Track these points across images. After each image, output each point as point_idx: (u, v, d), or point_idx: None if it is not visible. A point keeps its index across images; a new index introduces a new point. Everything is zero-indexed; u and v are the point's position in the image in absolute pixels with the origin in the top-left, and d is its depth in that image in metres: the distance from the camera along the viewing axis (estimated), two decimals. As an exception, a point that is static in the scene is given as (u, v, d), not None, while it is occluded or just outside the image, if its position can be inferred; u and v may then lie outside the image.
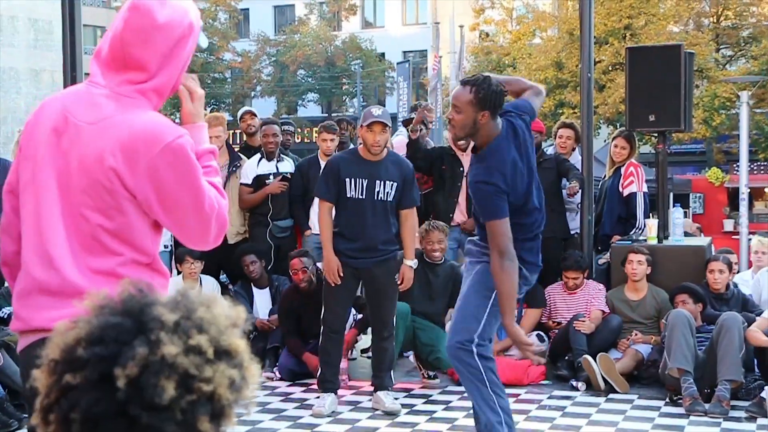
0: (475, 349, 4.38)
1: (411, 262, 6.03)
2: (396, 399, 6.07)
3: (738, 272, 7.95)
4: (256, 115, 8.33)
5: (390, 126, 5.95)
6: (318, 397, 6.02)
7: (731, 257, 7.06)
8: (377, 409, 5.92)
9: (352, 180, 5.85)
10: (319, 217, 6.03)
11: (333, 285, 5.88)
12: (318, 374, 6.04)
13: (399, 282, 6.03)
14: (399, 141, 8.14)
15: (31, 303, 2.32)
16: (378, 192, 5.87)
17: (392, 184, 5.89)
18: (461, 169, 7.45)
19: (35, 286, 2.31)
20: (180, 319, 1.28)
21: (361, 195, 5.85)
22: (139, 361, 1.23)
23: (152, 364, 1.23)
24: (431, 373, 6.73)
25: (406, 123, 8.04)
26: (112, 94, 2.30)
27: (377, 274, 5.93)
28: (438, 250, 6.74)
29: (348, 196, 5.86)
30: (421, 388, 6.59)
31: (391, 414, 5.84)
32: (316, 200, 6.31)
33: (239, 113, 8.50)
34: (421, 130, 7.33)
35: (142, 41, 2.29)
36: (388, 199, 5.90)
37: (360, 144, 6.05)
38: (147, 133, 2.25)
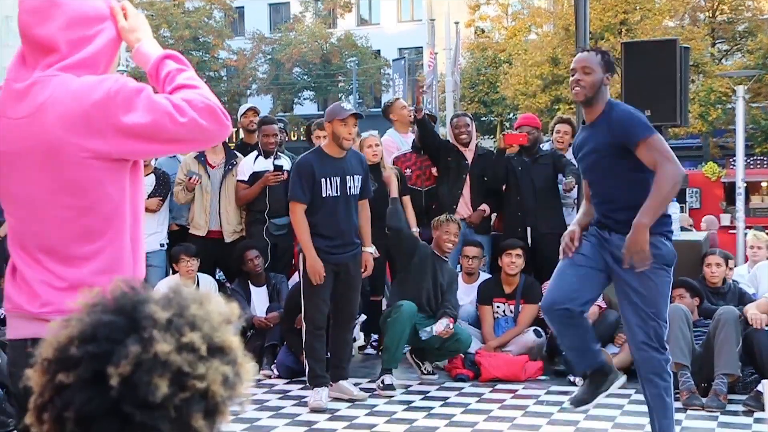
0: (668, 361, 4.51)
1: (371, 249, 6.24)
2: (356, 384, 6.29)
3: (735, 266, 7.96)
4: (258, 113, 8.34)
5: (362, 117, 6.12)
6: (312, 394, 6.04)
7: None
8: (343, 399, 6.05)
9: (327, 179, 5.95)
10: (295, 220, 6.05)
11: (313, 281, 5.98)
12: (307, 371, 6.09)
13: (363, 270, 6.20)
14: (388, 140, 8.17)
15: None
16: (349, 188, 6.03)
17: (358, 178, 6.08)
18: (465, 162, 7.53)
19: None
20: (173, 317, 1.28)
21: (336, 193, 5.98)
22: (132, 360, 1.22)
23: (145, 362, 1.23)
24: (429, 369, 6.74)
25: (386, 113, 8.11)
26: (38, 80, 2.27)
27: (351, 267, 6.09)
28: (452, 243, 6.78)
29: (324, 196, 5.95)
30: (419, 384, 6.59)
31: (359, 400, 6.03)
32: None
33: (242, 109, 8.48)
34: (422, 109, 7.47)
35: (40, 19, 2.28)
36: (355, 193, 6.09)
37: (324, 142, 6.14)
38: (85, 93, 2.22)
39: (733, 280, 6.86)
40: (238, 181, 7.48)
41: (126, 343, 1.24)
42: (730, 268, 6.92)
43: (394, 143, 8.19)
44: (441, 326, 6.44)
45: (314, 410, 5.85)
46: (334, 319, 6.20)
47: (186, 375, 1.24)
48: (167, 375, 1.23)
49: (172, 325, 1.27)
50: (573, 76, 4.47)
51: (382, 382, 6.31)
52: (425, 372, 6.73)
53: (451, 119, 7.82)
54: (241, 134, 8.64)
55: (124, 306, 1.29)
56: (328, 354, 6.19)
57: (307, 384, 6.12)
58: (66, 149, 2.22)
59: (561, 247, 4.61)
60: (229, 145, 8.22)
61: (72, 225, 2.28)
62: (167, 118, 2.20)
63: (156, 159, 7.95)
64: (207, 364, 1.26)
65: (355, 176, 6.06)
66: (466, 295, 7.22)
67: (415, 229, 7.19)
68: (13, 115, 2.27)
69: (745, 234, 12.46)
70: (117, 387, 1.21)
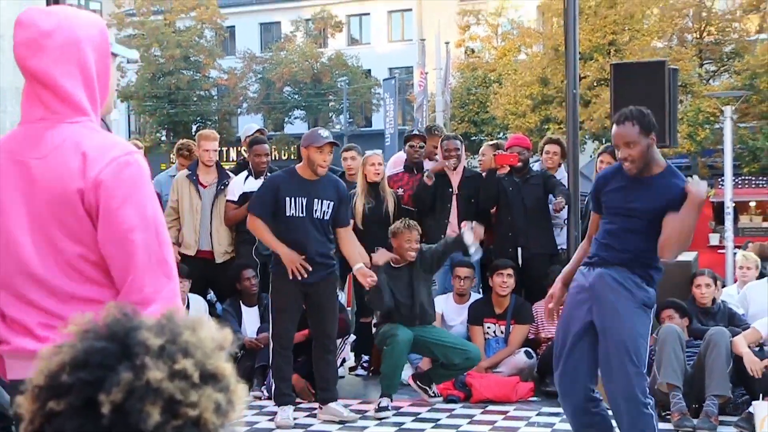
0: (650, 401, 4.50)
1: (359, 265, 6.12)
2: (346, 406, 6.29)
3: (724, 286, 7.99)
4: (265, 134, 8.40)
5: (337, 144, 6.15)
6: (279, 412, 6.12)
7: None
8: (334, 421, 6.06)
9: (292, 199, 6.01)
10: (254, 227, 6.14)
11: (280, 300, 6.05)
12: (273, 390, 6.21)
13: (368, 281, 6.05)
14: (397, 157, 8.24)
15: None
16: (315, 210, 6.06)
17: (329, 203, 6.10)
18: (450, 189, 7.50)
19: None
20: (165, 343, 1.27)
21: (302, 213, 6.02)
22: (123, 387, 1.22)
23: (137, 389, 1.22)
24: (435, 392, 6.67)
25: (407, 139, 8.03)
26: (50, 123, 2.27)
27: (320, 288, 6.10)
28: (414, 250, 6.57)
29: (288, 214, 6.01)
30: (410, 405, 6.56)
31: (349, 422, 6.05)
32: None
33: (248, 130, 8.49)
34: (434, 178, 7.41)
35: (33, 51, 2.27)
36: (325, 218, 6.10)
37: (299, 164, 6.18)
38: (99, 147, 2.23)
39: (722, 300, 6.87)
40: (227, 201, 7.48)
41: (118, 371, 1.23)
42: (719, 288, 6.95)
43: (401, 163, 8.20)
44: (469, 235, 6.35)
45: (281, 428, 5.94)
46: (315, 341, 6.24)
47: (178, 403, 1.24)
48: (159, 403, 1.22)
49: (165, 352, 1.26)
50: (617, 150, 4.44)
51: (378, 404, 6.30)
52: (432, 395, 6.67)
53: (441, 141, 7.82)
54: (233, 154, 8.64)
55: (117, 332, 1.28)
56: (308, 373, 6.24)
57: (274, 403, 6.21)
58: (68, 198, 2.22)
59: (546, 310, 4.71)
60: (223, 165, 8.21)
61: (73, 269, 2.26)
62: (148, 224, 2.21)
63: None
64: (199, 392, 1.26)
65: (324, 201, 6.08)
66: (457, 315, 7.22)
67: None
68: (28, 156, 2.28)
69: (734, 254, 12.51)
70: (108, 415, 1.21)
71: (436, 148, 7.87)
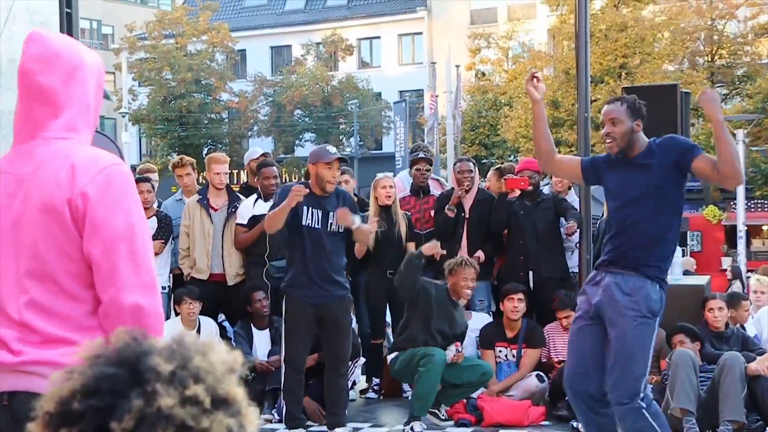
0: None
1: (357, 217, 6.11)
2: None
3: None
4: (269, 157, 8.43)
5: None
6: None
7: None
8: None
9: (309, 209, 6.03)
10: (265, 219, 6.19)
11: (294, 323, 6.03)
12: (284, 413, 6.18)
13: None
14: (402, 177, 8.25)
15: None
16: (330, 224, 6.08)
17: None
18: (462, 214, 7.50)
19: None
20: (176, 369, 1.27)
21: (318, 225, 6.04)
22: (135, 414, 1.22)
23: (148, 416, 1.22)
24: (442, 414, 6.64)
25: (413, 162, 8.03)
26: (42, 141, 2.32)
27: (334, 310, 6.09)
28: (470, 288, 6.63)
29: (304, 223, 6.02)
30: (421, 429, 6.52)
31: None
32: None
33: (253, 154, 8.51)
34: (455, 210, 7.46)
35: (44, 66, 2.33)
36: (340, 231, 6.13)
37: (308, 180, 6.21)
38: (87, 159, 2.27)
39: (742, 326, 6.83)
40: (237, 224, 7.47)
41: (129, 397, 1.23)
42: (746, 311, 6.93)
43: (403, 186, 8.22)
44: (451, 353, 6.39)
45: None
46: (327, 365, 6.19)
47: (190, 429, 1.24)
48: (171, 429, 1.23)
49: (176, 378, 1.26)
50: (603, 128, 4.52)
51: (412, 429, 6.25)
52: (442, 418, 6.63)
53: (455, 163, 7.84)
54: (244, 177, 8.66)
55: (127, 358, 1.29)
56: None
57: (285, 426, 6.18)
58: (56, 209, 2.24)
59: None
60: (233, 187, 8.22)
61: (55, 284, 2.27)
62: (133, 235, 2.23)
63: (157, 202, 7.97)
64: (211, 417, 1.26)
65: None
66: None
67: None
68: (19, 171, 2.32)
69: (747, 277, 12.44)
70: None
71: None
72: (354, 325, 7.57)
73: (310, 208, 6.03)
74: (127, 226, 2.23)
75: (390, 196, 7.28)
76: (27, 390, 2.21)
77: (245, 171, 8.60)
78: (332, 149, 6.17)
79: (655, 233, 4.50)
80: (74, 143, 2.32)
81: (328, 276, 6.05)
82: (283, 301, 6.15)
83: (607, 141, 4.51)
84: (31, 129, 2.34)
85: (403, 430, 6.27)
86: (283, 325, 6.14)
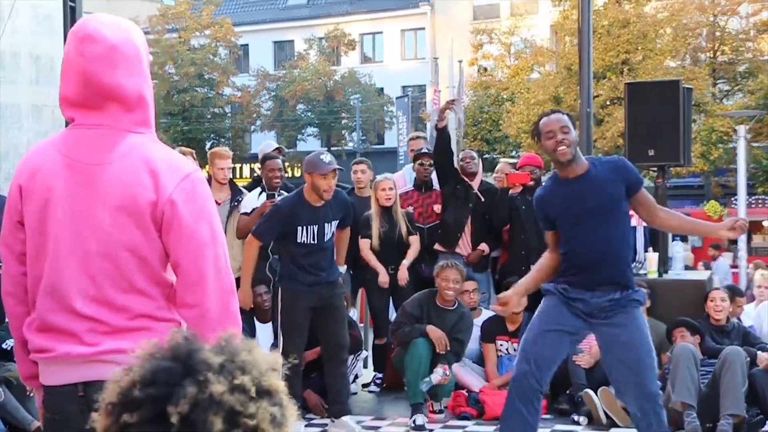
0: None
1: (341, 268, 6.35)
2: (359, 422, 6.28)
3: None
4: (283, 152, 8.44)
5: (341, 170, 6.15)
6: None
7: None
8: None
9: (303, 228, 6.02)
10: (248, 254, 6.19)
11: (290, 317, 6.06)
12: None
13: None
14: (406, 171, 8.30)
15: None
16: (326, 234, 6.10)
17: (335, 223, 6.16)
18: (473, 191, 7.57)
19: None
20: (225, 362, 1.41)
21: (312, 240, 6.04)
22: (189, 400, 1.35)
23: (201, 401, 1.36)
24: (439, 407, 6.70)
25: (416, 157, 8.07)
26: (110, 131, 2.29)
27: (331, 298, 6.13)
28: (452, 290, 6.67)
29: (298, 241, 6.02)
30: (426, 422, 6.56)
31: None
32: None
33: (267, 147, 8.53)
34: (445, 119, 7.59)
35: (106, 66, 2.28)
36: (331, 238, 6.18)
37: (305, 186, 6.14)
38: (170, 162, 2.28)
39: (738, 318, 6.86)
40: (241, 214, 7.49)
41: (184, 385, 1.37)
42: (739, 306, 6.94)
43: (406, 180, 8.26)
44: (438, 376, 6.44)
45: None
46: (327, 354, 6.22)
47: (238, 414, 1.37)
48: (221, 413, 1.36)
49: (225, 369, 1.41)
50: (551, 139, 4.50)
51: (414, 422, 6.31)
52: (436, 411, 6.68)
53: (459, 153, 7.92)
54: (246, 171, 8.67)
55: (180, 353, 1.43)
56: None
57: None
58: (137, 208, 2.25)
59: (495, 308, 4.80)
60: (236, 182, 8.24)
61: (123, 279, 2.29)
62: (216, 241, 2.29)
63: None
64: (257, 405, 1.39)
65: (333, 222, 6.13)
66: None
67: (405, 262, 7.29)
68: (87, 160, 2.29)
69: (747, 273, 12.47)
70: (177, 425, 1.34)
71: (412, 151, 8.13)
72: (355, 317, 7.63)
73: (306, 227, 6.01)
74: (211, 233, 2.29)
75: (390, 198, 7.31)
76: (103, 379, 2.24)
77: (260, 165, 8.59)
78: (327, 158, 6.05)
79: (621, 247, 4.68)
80: (147, 139, 2.32)
81: (321, 267, 6.11)
82: (279, 294, 6.16)
83: (561, 148, 4.47)
84: (97, 115, 2.30)
85: (408, 423, 6.32)
86: (279, 317, 6.14)
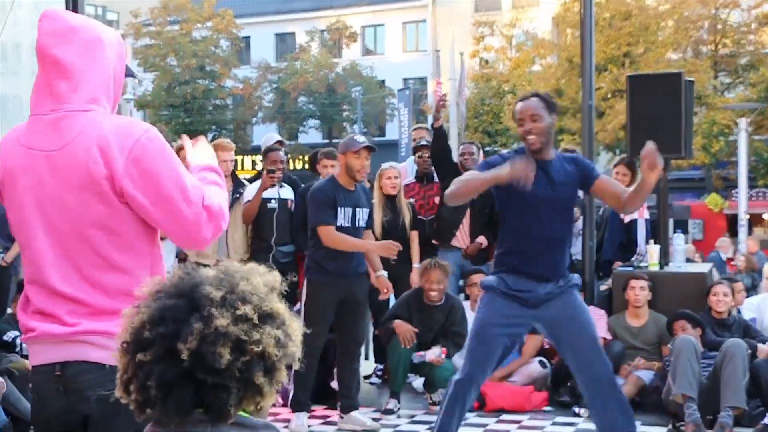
0: None
1: (381, 272, 6.22)
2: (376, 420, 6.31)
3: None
4: (284, 145, 8.41)
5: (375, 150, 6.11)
6: (294, 419, 6.16)
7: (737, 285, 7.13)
8: (353, 431, 6.10)
9: (343, 209, 6.02)
10: (333, 240, 5.93)
11: (316, 309, 5.99)
12: (291, 396, 6.19)
13: (385, 291, 6.21)
14: (408, 163, 8.31)
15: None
16: (358, 219, 6.09)
17: (366, 211, 6.16)
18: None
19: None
20: (226, 294, 1.54)
21: (348, 224, 6.03)
22: (196, 335, 1.48)
23: (208, 336, 1.49)
24: (437, 399, 6.73)
25: (416, 150, 8.07)
26: (64, 114, 2.33)
27: (359, 294, 6.12)
28: (436, 291, 6.68)
29: (338, 225, 6.00)
30: (424, 413, 6.59)
31: (372, 431, 6.09)
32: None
33: (269, 140, 8.52)
34: (441, 117, 7.58)
35: (60, 41, 2.34)
36: (362, 225, 6.16)
37: (334, 171, 6.15)
38: (118, 132, 2.29)
39: (738, 310, 6.88)
40: (244, 204, 7.48)
41: (190, 322, 1.49)
42: (739, 292, 6.97)
43: (407, 172, 8.26)
44: (432, 354, 6.49)
45: None
46: (341, 348, 6.22)
47: (244, 342, 1.50)
48: (228, 344, 1.49)
49: (227, 302, 1.53)
50: (521, 126, 4.47)
51: (387, 404, 6.45)
52: (436, 403, 6.71)
53: (459, 147, 7.92)
54: (248, 164, 8.66)
55: (184, 290, 1.55)
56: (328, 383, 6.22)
57: (290, 408, 6.23)
58: (95, 185, 2.27)
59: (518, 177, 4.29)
60: (238, 173, 8.23)
61: (98, 257, 2.32)
62: (183, 187, 2.30)
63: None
64: (260, 331, 1.53)
65: (363, 209, 6.13)
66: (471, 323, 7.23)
67: (416, 265, 7.23)
68: (46, 147, 2.33)
69: (747, 245, 12.47)
70: (187, 359, 1.48)
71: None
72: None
73: (344, 208, 6.01)
74: (176, 184, 2.29)
75: (395, 187, 7.30)
76: (80, 359, 2.27)
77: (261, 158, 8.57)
78: (360, 138, 6.08)
79: (568, 239, 4.76)
80: (98, 114, 2.34)
81: (356, 269, 6.10)
82: (305, 285, 6.12)
83: (530, 138, 4.44)
84: (52, 101, 2.35)
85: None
86: (303, 308, 6.07)
